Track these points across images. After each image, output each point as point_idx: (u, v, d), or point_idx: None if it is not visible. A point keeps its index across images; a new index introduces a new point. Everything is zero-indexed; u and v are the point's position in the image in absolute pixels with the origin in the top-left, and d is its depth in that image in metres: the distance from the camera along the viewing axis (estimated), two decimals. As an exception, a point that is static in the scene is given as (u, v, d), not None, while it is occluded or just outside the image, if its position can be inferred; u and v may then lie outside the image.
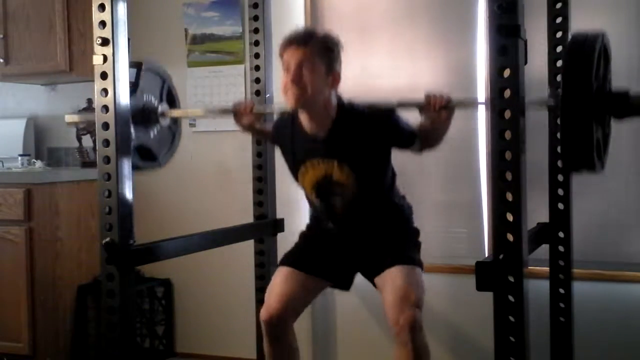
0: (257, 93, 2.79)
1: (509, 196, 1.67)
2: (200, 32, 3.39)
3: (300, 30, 2.21)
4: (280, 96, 2.31)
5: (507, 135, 1.68)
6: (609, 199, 2.65)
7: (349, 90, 2.25)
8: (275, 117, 2.55)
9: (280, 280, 2.26)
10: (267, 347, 2.26)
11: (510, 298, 1.67)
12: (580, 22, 2.53)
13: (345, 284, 2.36)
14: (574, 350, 2.38)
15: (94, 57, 2.13)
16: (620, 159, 2.64)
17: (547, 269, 2.38)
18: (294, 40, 2.12)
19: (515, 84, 1.67)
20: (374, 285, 2.25)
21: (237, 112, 2.43)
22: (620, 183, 2.65)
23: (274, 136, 2.45)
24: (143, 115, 2.39)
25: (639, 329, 2.62)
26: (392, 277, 2.13)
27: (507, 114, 1.67)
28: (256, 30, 2.74)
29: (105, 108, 2.11)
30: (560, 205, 2.35)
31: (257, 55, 2.76)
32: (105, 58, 2.11)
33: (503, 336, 1.68)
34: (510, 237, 1.67)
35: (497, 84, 1.69)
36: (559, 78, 2.30)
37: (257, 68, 2.77)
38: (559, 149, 2.34)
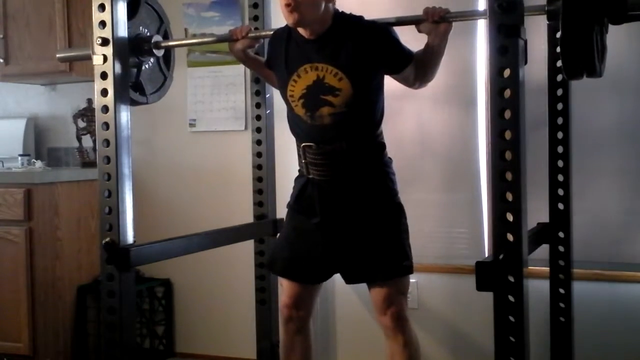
0: (257, 93, 2.79)
1: (509, 196, 1.68)
2: (200, 32, 3.39)
3: None
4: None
5: (507, 135, 1.68)
6: (609, 199, 2.65)
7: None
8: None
9: (285, 284, 2.35)
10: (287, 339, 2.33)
11: (510, 298, 1.67)
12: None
13: (322, 279, 2.35)
14: (574, 350, 2.38)
15: (94, 57, 2.13)
16: (620, 158, 2.64)
17: (547, 269, 2.38)
18: None
19: (515, 84, 1.67)
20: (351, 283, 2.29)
21: (233, 37, 2.39)
22: (620, 183, 2.65)
23: (269, 52, 2.37)
24: (137, 44, 2.35)
25: (639, 329, 2.62)
26: (379, 289, 2.17)
27: (507, 114, 1.68)
28: (256, 30, 2.73)
29: (105, 108, 2.11)
30: (560, 205, 2.35)
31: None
32: (105, 58, 2.11)
33: (503, 336, 1.68)
34: (510, 237, 1.68)
35: (497, 84, 1.69)
36: (559, 78, 2.30)
37: (257, 68, 2.77)
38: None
